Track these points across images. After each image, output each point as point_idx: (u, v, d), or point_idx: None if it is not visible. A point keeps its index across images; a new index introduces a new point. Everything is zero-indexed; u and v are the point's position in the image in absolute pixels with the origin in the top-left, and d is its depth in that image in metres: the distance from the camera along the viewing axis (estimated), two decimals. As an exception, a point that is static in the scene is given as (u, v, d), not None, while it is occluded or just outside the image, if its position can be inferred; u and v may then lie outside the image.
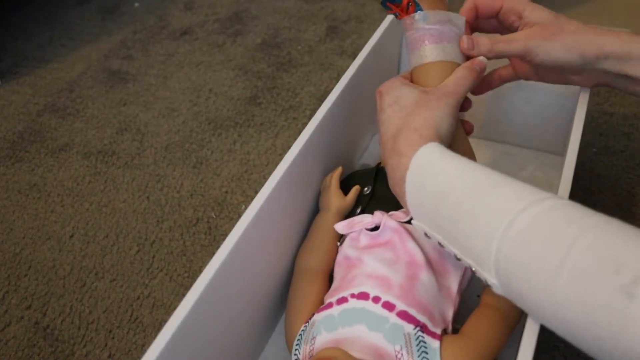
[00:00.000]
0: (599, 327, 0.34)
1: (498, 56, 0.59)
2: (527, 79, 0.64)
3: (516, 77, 0.65)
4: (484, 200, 0.43)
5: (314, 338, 0.54)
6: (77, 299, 0.73)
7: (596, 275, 0.35)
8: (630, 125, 0.92)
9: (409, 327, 0.51)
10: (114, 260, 0.78)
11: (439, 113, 0.52)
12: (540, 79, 0.63)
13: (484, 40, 0.59)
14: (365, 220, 0.60)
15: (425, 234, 0.50)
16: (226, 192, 0.87)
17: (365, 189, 0.66)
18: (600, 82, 0.60)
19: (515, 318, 0.54)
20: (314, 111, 1.00)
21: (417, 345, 0.50)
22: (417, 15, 0.59)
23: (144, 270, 0.76)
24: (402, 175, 0.50)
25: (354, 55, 1.12)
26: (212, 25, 1.27)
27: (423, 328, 0.51)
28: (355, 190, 0.66)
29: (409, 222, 0.58)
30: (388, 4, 0.63)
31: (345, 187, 0.67)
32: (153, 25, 1.29)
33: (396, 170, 0.51)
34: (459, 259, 0.46)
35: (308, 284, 0.62)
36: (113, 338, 0.69)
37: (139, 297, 0.73)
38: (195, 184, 0.88)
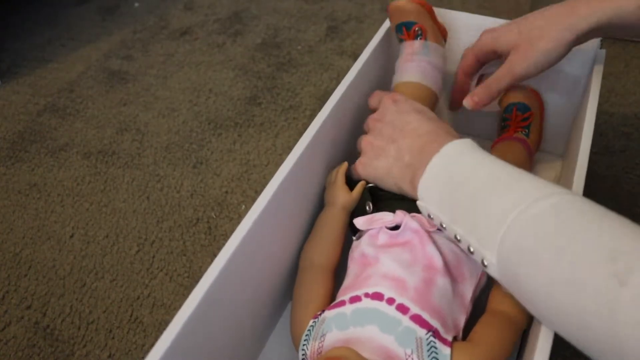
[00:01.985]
0: (588, 312, 0.36)
1: (500, 94, 0.67)
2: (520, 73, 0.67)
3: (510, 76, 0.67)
4: (506, 185, 0.46)
5: (323, 335, 0.54)
6: (77, 299, 0.73)
7: (593, 259, 0.37)
8: (630, 125, 0.92)
9: (422, 332, 0.51)
10: (114, 260, 0.78)
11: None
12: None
13: (481, 94, 0.67)
14: (386, 218, 0.59)
15: (429, 215, 0.52)
16: (226, 192, 0.87)
17: (371, 183, 0.66)
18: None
19: (523, 322, 0.54)
20: (314, 111, 1.00)
21: (428, 350, 0.50)
22: (422, 45, 0.73)
23: (144, 270, 0.76)
24: (428, 159, 0.53)
25: (354, 55, 1.12)
26: (212, 25, 1.27)
27: (435, 333, 0.51)
28: (361, 185, 0.65)
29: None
30: (402, 31, 0.75)
31: (350, 182, 0.67)
32: (153, 25, 1.29)
33: (424, 155, 0.54)
34: (458, 240, 0.48)
35: (314, 280, 0.61)
36: (113, 338, 0.69)
37: (139, 297, 0.73)
38: (195, 184, 0.88)
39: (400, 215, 0.58)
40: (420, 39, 0.73)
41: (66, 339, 0.69)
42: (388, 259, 0.56)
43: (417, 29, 0.73)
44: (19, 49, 1.24)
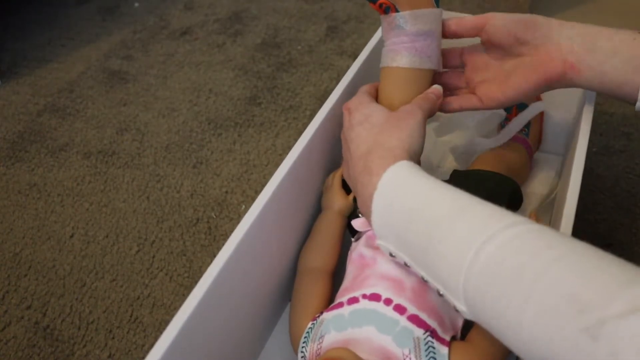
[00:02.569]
0: None
1: (463, 35, 0.60)
2: (491, 106, 0.62)
3: (481, 105, 0.62)
4: (451, 226, 0.42)
5: (322, 336, 0.54)
6: (77, 299, 0.73)
7: (560, 315, 0.34)
8: (630, 125, 0.92)
9: (419, 332, 0.51)
10: (114, 260, 0.78)
11: (410, 131, 0.52)
12: (507, 97, 0.60)
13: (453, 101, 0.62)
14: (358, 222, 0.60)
15: (390, 254, 0.49)
16: (226, 192, 0.87)
17: None
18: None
19: None
20: (314, 111, 1.00)
21: (426, 350, 0.50)
22: (397, 18, 0.57)
23: (144, 270, 0.76)
24: (371, 194, 0.49)
25: (354, 55, 1.12)
26: (212, 25, 1.27)
27: (433, 333, 0.51)
28: (352, 196, 0.66)
29: None
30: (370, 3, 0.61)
31: (348, 187, 0.67)
32: (153, 25, 1.29)
33: (366, 188, 0.50)
34: (426, 281, 0.45)
35: (312, 283, 0.62)
36: (113, 338, 0.69)
37: (139, 297, 0.73)
38: (195, 184, 0.88)
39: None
40: (390, 11, 0.58)
41: (66, 339, 0.69)
42: (385, 260, 0.56)
43: (380, 3, 0.59)
44: (19, 49, 1.24)
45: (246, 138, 0.96)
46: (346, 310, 0.54)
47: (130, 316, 0.71)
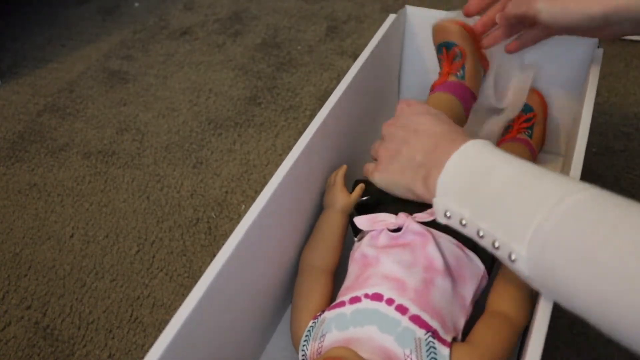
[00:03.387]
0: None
1: (510, 20, 0.65)
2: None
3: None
4: (533, 180, 0.45)
5: (323, 335, 0.54)
6: (77, 299, 0.73)
7: None
8: (630, 125, 0.92)
9: (421, 332, 0.51)
10: (114, 260, 0.78)
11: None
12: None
13: (527, 36, 0.68)
14: (388, 220, 0.59)
15: (445, 213, 0.49)
16: (226, 192, 0.87)
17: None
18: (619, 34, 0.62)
19: (522, 323, 0.54)
20: (314, 111, 1.00)
21: (427, 350, 0.50)
22: (459, 68, 0.71)
23: (144, 270, 0.76)
24: (449, 152, 0.51)
25: (354, 55, 1.12)
26: (212, 25, 1.27)
27: (434, 334, 0.51)
28: (359, 187, 0.66)
29: (432, 223, 0.57)
30: (442, 52, 0.73)
31: (351, 185, 0.67)
32: (153, 25, 1.29)
33: (443, 150, 0.52)
34: (480, 236, 0.46)
35: (314, 282, 0.62)
36: (113, 338, 0.69)
37: (139, 297, 0.73)
38: (195, 184, 0.88)
39: (402, 218, 0.58)
40: (459, 61, 0.71)
41: (66, 339, 0.69)
42: (388, 259, 0.56)
43: (457, 50, 0.71)
44: (19, 49, 1.24)
45: (246, 138, 0.96)
46: (348, 309, 0.54)
47: (130, 316, 0.71)
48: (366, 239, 0.60)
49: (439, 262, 0.55)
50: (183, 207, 0.85)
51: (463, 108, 0.71)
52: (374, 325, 0.52)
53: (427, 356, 0.50)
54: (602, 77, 1.01)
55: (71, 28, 1.30)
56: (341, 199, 0.65)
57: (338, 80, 1.05)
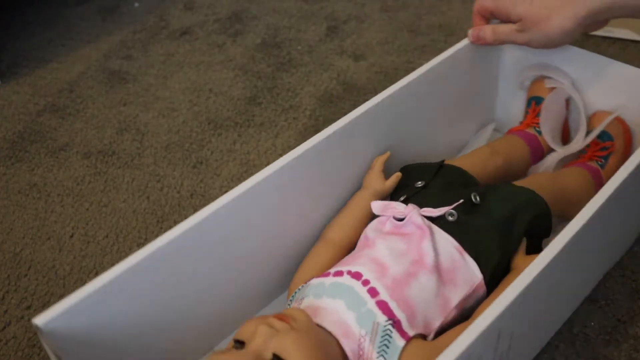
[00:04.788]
0: None
1: (502, 43, 0.73)
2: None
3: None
4: None
5: (302, 299, 0.56)
6: (77, 299, 0.73)
7: None
8: (630, 126, 0.92)
9: (382, 318, 0.52)
10: (114, 260, 0.78)
11: None
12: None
13: (487, 36, 0.72)
14: (398, 208, 0.61)
15: None
16: (226, 192, 0.86)
17: (419, 182, 0.66)
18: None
19: None
20: (314, 111, 1.00)
21: (382, 337, 0.51)
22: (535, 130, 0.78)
23: (144, 270, 0.76)
24: None
25: (354, 55, 1.12)
26: (212, 25, 1.27)
27: (396, 324, 0.52)
28: (395, 176, 0.68)
29: (437, 218, 0.59)
30: (531, 105, 0.78)
31: (402, 175, 0.69)
32: (153, 25, 1.29)
33: None
34: None
35: (323, 252, 0.65)
36: (113, 338, 0.69)
37: (139, 297, 0.73)
38: (195, 184, 0.88)
39: (409, 209, 0.60)
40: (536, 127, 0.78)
41: (66, 339, 0.69)
42: (383, 245, 0.57)
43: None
44: (19, 49, 1.24)
45: (246, 138, 0.96)
46: (329, 280, 0.56)
47: (130, 316, 0.71)
48: (375, 222, 0.62)
49: (429, 259, 0.56)
50: (183, 207, 0.85)
51: (530, 157, 0.78)
52: (344, 300, 0.53)
53: (380, 342, 0.51)
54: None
55: (71, 28, 1.30)
56: (375, 183, 0.67)
57: (338, 80, 1.05)
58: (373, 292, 0.53)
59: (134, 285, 0.52)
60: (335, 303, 0.53)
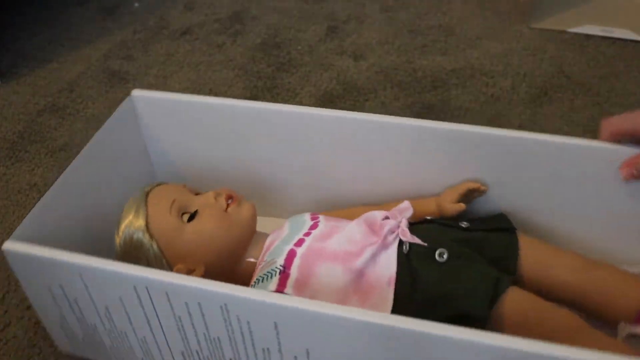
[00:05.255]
0: None
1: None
2: None
3: None
4: None
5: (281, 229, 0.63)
6: (77, 299, 0.73)
7: None
8: (630, 125, 0.92)
9: (281, 261, 0.56)
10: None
11: None
12: None
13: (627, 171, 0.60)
14: (401, 206, 0.61)
15: None
16: (226, 192, 0.86)
17: (465, 223, 0.62)
18: None
19: None
20: (314, 111, 1.00)
21: (267, 272, 0.56)
22: None
23: (144, 270, 0.76)
24: None
25: (354, 55, 1.13)
26: (212, 25, 1.27)
27: (283, 274, 0.55)
28: (458, 206, 0.63)
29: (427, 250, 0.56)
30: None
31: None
32: (153, 25, 1.29)
33: None
34: None
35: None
36: (113, 338, 0.69)
37: (139, 297, 0.73)
38: (195, 184, 0.88)
39: (397, 217, 0.59)
40: None
41: (66, 339, 0.69)
42: (356, 225, 0.59)
43: None
44: (19, 49, 1.24)
45: (246, 138, 0.96)
46: (305, 216, 0.63)
47: (130, 316, 0.71)
48: (381, 212, 0.61)
49: (360, 261, 0.55)
50: (183, 207, 0.85)
51: None
52: (290, 224, 0.62)
53: (262, 274, 0.56)
54: (602, 77, 1.01)
55: (71, 28, 1.31)
56: (445, 196, 0.65)
57: (338, 80, 1.05)
58: (300, 243, 0.58)
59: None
60: (285, 224, 0.62)
